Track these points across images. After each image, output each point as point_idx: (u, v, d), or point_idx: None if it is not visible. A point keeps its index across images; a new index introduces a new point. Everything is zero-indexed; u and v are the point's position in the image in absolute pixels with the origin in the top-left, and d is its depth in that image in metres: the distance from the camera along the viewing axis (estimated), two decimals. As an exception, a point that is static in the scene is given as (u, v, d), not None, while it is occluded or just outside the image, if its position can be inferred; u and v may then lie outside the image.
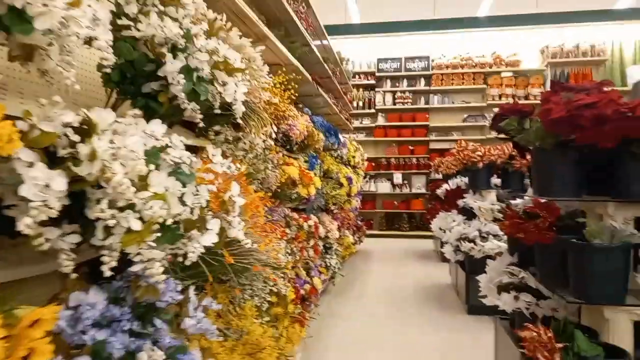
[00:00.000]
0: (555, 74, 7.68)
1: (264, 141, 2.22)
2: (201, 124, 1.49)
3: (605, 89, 1.94)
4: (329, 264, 3.83)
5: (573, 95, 1.89)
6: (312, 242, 3.21)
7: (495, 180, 4.56)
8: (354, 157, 5.74)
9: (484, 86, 8.18)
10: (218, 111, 1.56)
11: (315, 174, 3.65)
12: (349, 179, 4.86)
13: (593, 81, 2.05)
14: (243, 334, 1.71)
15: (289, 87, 2.72)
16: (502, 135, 2.41)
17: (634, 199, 1.82)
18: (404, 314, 3.89)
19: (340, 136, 5.05)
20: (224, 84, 1.56)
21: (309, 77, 3.99)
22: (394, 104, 8.64)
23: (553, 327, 1.74)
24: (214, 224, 1.26)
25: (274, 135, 2.55)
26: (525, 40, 8.20)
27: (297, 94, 2.86)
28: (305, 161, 3.72)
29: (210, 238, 1.23)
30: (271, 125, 2.30)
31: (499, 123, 2.25)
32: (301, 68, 3.58)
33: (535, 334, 1.70)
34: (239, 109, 1.65)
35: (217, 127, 1.85)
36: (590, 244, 1.75)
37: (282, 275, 2.17)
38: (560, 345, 1.66)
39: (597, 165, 1.91)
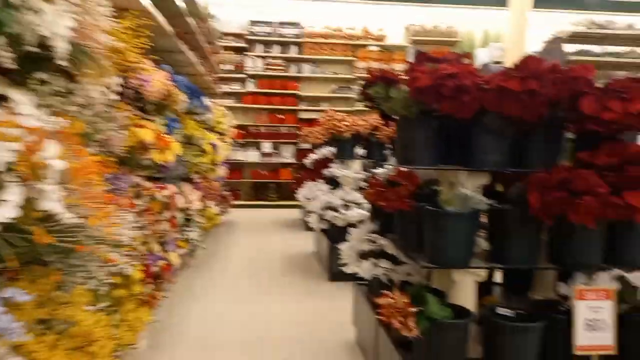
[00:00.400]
0: (416, 52, 8.14)
1: (104, 95, 1.87)
2: (12, 67, 1.15)
3: (464, 61, 2.00)
4: (189, 237, 3.56)
5: (437, 66, 1.91)
6: (168, 214, 2.91)
7: (360, 150, 4.68)
8: (220, 123, 5.43)
9: (353, 58, 8.37)
10: (34, 50, 1.23)
11: (175, 139, 3.31)
12: (214, 146, 4.57)
13: (454, 53, 2.10)
14: (69, 326, 1.43)
15: (141, 35, 2.34)
16: (369, 104, 2.39)
17: (484, 168, 1.92)
18: (267, 284, 3.83)
19: (206, 100, 4.70)
20: (39, 12, 1.22)
21: (169, 30, 3.57)
22: (265, 70, 8.41)
23: (408, 292, 1.77)
24: (12, 194, 0.96)
25: (119, 90, 2.18)
26: (391, 16, 8.54)
27: (152, 45, 2.50)
28: (164, 124, 3.35)
29: (5, 212, 0.94)
30: (114, 76, 1.95)
31: (367, 90, 2.21)
32: (159, 18, 3.16)
33: (391, 300, 1.71)
34: (62, 48, 1.32)
35: (39, 74, 1.47)
36: (443, 211, 1.81)
37: (126, 252, 1.88)
38: (414, 309, 1.69)
39: (455, 135, 1.97)
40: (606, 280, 1.74)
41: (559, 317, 1.73)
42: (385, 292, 1.76)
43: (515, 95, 1.73)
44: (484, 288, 2.26)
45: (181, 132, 3.76)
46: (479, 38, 8.34)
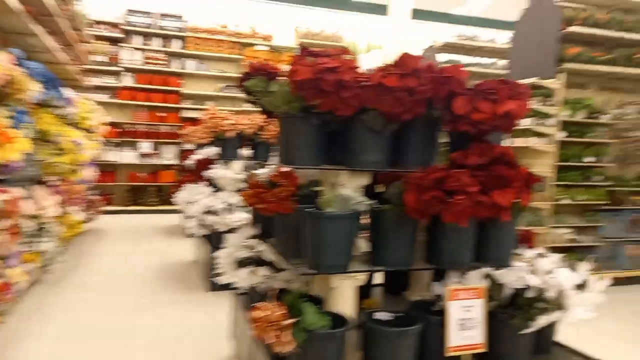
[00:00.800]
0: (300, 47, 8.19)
1: None
2: None
3: (345, 57, 1.93)
4: (41, 249, 3.06)
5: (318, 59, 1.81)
6: (7, 223, 2.43)
7: (246, 151, 4.50)
8: (87, 119, 4.84)
9: (241, 57, 8.12)
10: None
11: (22, 135, 2.81)
12: (77, 144, 4.03)
13: (336, 49, 2.02)
14: None
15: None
16: (251, 98, 2.23)
17: (364, 168, 1.86)
18: (139, 298, 3.44)
19: (68, 92, 4.14)
20: None
21: (16, 7, 3.03)
22: (145, 64, 7.78)
23: (285, 302, 1.64)
24: None
25: None
26: (280, 16, 8.48)
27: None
28: (9, 117, 2.83)
29: None
30: None
31: (246, 83, 2.04)
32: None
33: (264, 313, 1.56)
34: None
35: None
36: (321, 213, 1.70)
37: None
38: (290, 321, 1.56)
39: (337, 133, 1.89)
40: (476, 279, 1.78)
41: (433, 319, 1.73)
42: (259, 305, 1.60)
43: (394, 92, 1.69)
44: (365, 289, 2.23)
45: (32, 126, 3.23)
46: (364, 44, 8.64)
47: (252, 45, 8.19)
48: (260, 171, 2.42)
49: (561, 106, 4.27)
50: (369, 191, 2.05)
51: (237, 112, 4.70)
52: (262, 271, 2.10)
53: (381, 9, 8.17)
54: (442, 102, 1.82)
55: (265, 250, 2.12)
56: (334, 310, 1.79)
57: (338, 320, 1.71)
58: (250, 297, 2.30)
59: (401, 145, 1.90)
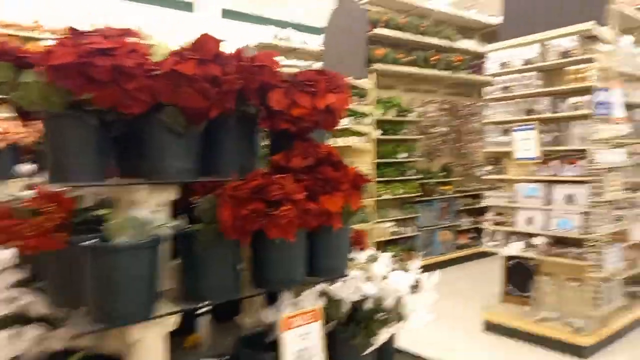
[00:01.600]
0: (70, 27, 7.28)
1: None
2: None
3: (130, 39, 1.50)
4: None
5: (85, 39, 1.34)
6: None
7: (28, 166, 3.59)
8: None
9: (23, 54, 6.74)
10: None
11: None
12: None
13: (118, 29, 1.57)
14: None
15: None
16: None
17: (166, 180, 1.46)
18: None
19: None
20: None
21: None
22: None
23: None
24: None
25: None
26: (72, 8, 7.32)
27: None
28: None
29: None
30: None
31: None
32: None
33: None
34: None
35: None
36: (106, 245, 1.25)
37: None
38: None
39: (128, 137, 1.45)
40: (312, 298, 1.54)
41: (267, 356, 1.43)
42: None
43: (194, 83, 1.34)
44: (188, 322, 1.82)
45: None
46: (175, 43, 8.03)
47: (36, 39, 6.85)
48: (24, 192, 1.80)
49: (374, 105, 4.44)
50: (184, 207, 1.66)
51: (11, 117, 3.73)
52: (32, 331, 1.52)
53: (187, 6, 7.67)
54: (255, 96, 1.53)
55: (34, 301, 1.54)
56: (138, 371, 1.35)
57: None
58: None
59: (213, 148, 1.56)
